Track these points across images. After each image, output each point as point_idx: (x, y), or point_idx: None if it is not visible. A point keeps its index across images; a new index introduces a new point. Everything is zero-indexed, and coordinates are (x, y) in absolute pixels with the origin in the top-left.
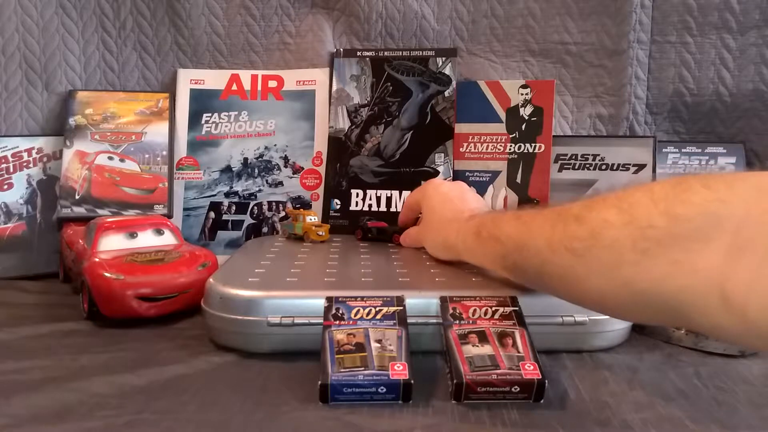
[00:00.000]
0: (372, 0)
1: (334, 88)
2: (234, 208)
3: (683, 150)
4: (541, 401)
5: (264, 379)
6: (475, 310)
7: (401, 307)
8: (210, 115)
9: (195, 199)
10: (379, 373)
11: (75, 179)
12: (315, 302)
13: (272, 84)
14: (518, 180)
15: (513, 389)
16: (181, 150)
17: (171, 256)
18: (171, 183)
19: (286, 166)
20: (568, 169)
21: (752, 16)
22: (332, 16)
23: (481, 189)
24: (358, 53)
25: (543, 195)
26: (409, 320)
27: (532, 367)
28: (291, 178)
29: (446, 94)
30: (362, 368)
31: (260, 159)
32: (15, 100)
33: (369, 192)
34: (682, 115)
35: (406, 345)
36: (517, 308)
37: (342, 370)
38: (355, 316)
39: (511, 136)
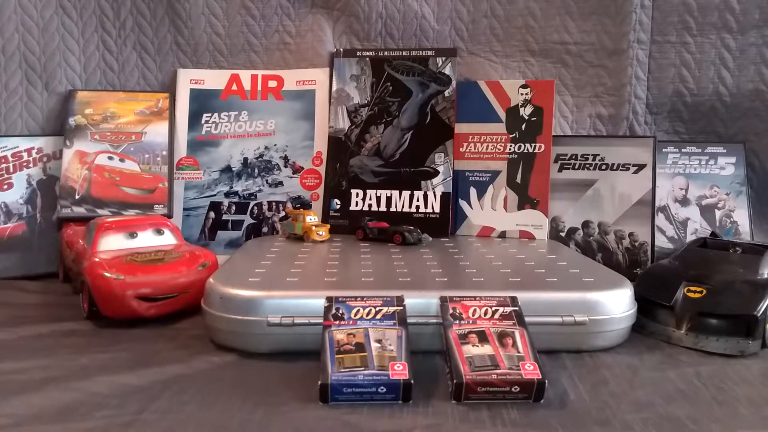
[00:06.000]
0: (372, 0)
1: (334, 88)
2: (234, 208)
3: (683, 150)
4: (541, 401)
5: (264, 379)
6: (475, 310)
7: (401, 307)
8: (210, 115)
9: (195, 199)
10: (379, 373)
11: (75, 179)
12: (315, 302)
13: (272, 84)
14: (518, 180)
15: (513, 389)
16: (181, 150)
17: (171, 256)
18: (171, 183)
19: (286, 166)
20: (568, 169)
21: (752, 16)
22: (332, 16)
23: (481, 189)
24: (358, 53)
25: (543, 195)
26: (409, 320)
27: (532, 367)
28: (291, 178)
29: (446, 94)
30: (362, 368)
31: (260, 159)
32: (15, 100)
33: (369, 192)
34: (682, 115)
35: (406, 345)
36: (517, 308)
37: (342, 370)
38: (355, 316)
39: (511, 136)
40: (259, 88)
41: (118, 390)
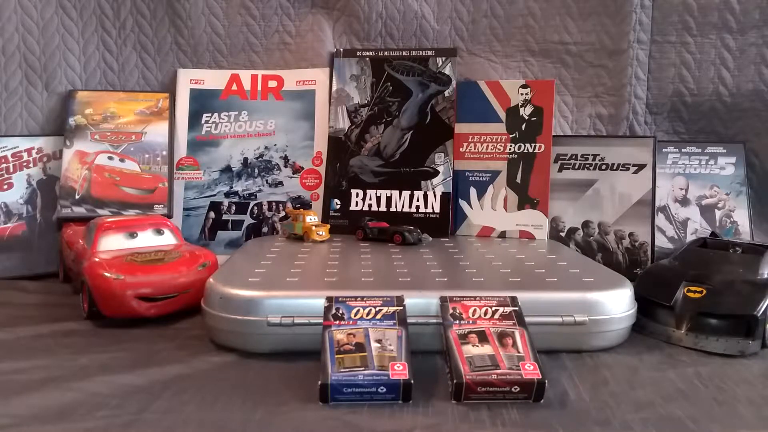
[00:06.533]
0: (372, 0)
1: (334, 88)
2: (234, 208)
3: (683, 150)
4: (541, 401)
5: (264, 379)
6: (475, 310)
7: (401, 307)
8: (210, 115)
9: (195, 199)
10: (379, 373)
11: (75, 179)
12: (315, 302)
13: (272, 84)
14: (518, 180)
15: (513, 389)
16: (181, 150)
17: (171, 256)
18: (171, 183)
19: (286, 166)
20: (568, 169)
21: (752, 16)
22: (332, 16)
23: (481, 189)
24: (358, 53)
25: (543, 195)
26: (409, 320)
27: (532, 367)
28: (291, 178)
29: (446, 94)
30: (362, 368)
31: (260, 159)
32: (15, 100)
33: (369, 192)
34: (682, 115)
35: (406, 345)
36: (517, 308)
37: (342, 370)
38: (355, 316)
39: (511, 136)
40: (259, 88)
41: (118, 390)
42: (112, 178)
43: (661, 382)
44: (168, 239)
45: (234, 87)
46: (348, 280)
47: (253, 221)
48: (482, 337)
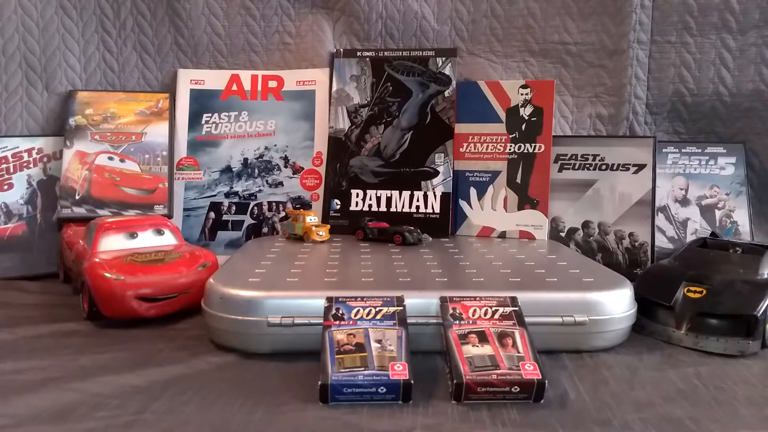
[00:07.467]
0: (372, 0)
1: (334, 88)
2: (234, 208)
3: (683, 150)
4: (541, 401)
5: (264, 379)
6: (475, 310)
7: (401, 307)
8: (210, 115)
9: (195, 199)
10: (379, 374)
11: (75, 179)
12: (315, 302)
13: (272, 84)
14: (518, 180)
15: (513, 389)
16: (181, 150)
17: (171, 257)
18: (171, 183)
19: (286, 167)
20: (568, 169)
21: (752, 16)
22: (332, 16)
23: (481, 189)
24: (358, 53)
25: (543, 195)
26: (409, 320)
27: (532, 367)
28: (291, 178)
29: (446, 94)
30: (362, 368)
31: (260, 159)
32: (15, 100)
33: (369, 192)
34: (682, 115)
35: (406, 345)
36: (517, 308)
37: (342, 370)
38: (355, 316)
39: (511, 136)
40: (259, 88)
41: (118, 390)
42: (113, 178)
43: (661, 382)
44: (168, 239)
45: (234, 87)
46: (348, 281)
47: (253, 221)
48: (482, 337)
